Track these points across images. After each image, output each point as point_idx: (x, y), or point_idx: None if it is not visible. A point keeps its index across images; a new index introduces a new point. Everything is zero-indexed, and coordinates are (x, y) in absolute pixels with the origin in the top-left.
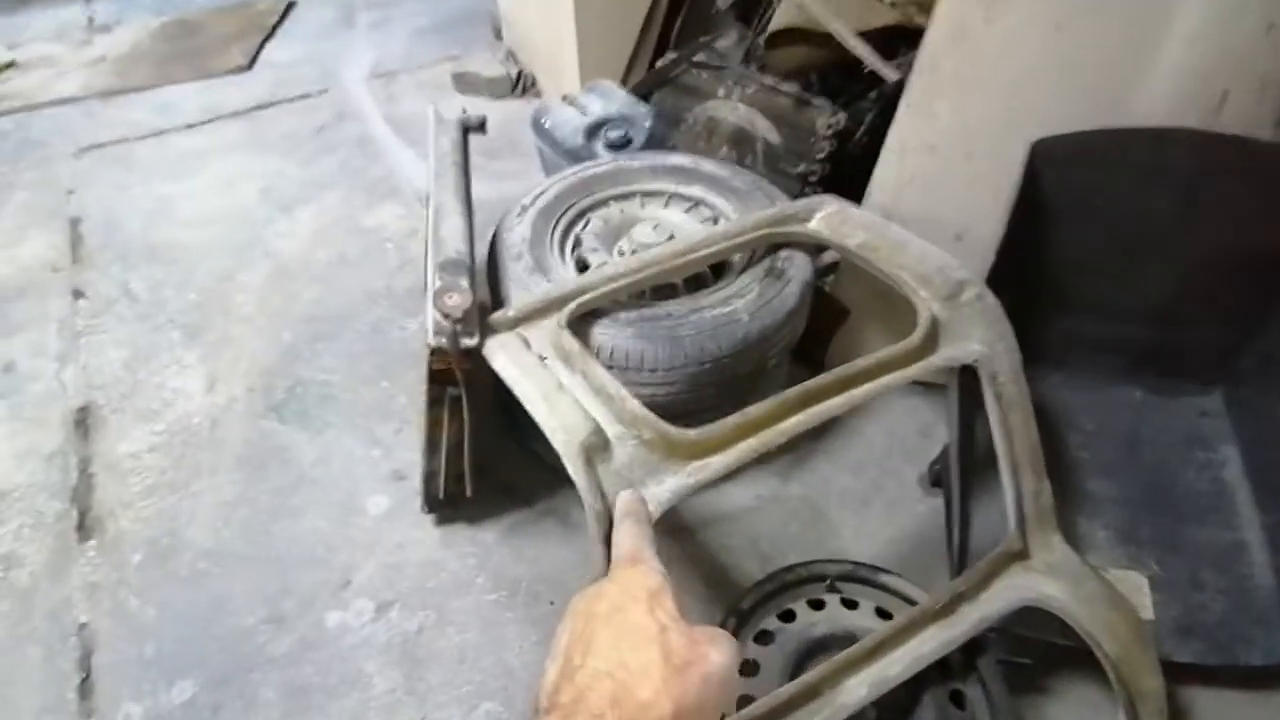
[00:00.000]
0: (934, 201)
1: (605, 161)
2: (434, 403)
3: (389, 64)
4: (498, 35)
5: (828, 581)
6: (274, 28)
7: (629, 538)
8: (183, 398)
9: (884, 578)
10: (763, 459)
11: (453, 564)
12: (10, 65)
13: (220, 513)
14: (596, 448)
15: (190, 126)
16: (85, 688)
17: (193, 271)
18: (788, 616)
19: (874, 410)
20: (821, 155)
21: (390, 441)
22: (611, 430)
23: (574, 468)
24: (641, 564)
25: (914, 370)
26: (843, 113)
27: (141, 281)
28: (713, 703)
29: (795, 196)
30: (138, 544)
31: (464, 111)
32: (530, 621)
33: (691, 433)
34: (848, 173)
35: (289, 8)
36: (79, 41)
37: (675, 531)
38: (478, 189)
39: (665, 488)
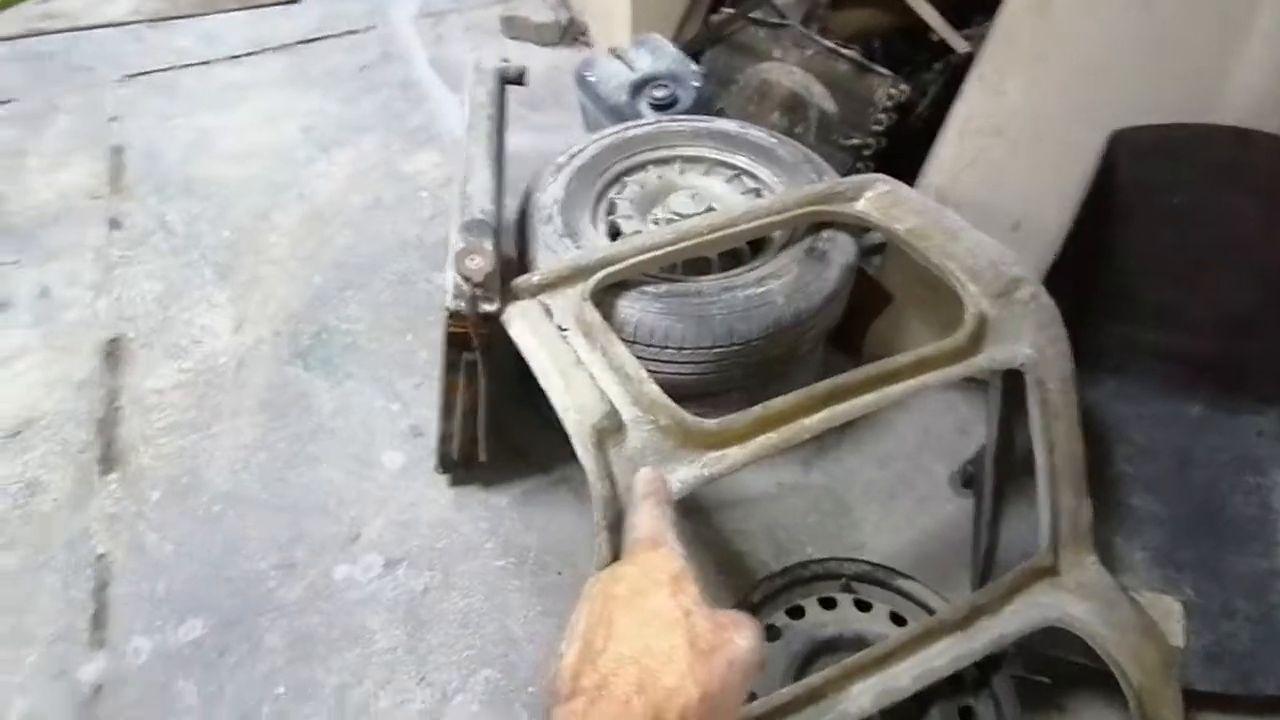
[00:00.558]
0: (994, 187)
1: (648, 122)
2: (451, 366)
3: (439, 3)
4: None
5: (842, 581)
6: None
7: (649, 519)
8: (210, 336)
9: (901, 582)
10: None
11: (464, 526)
12: None
13: (239, 456)
14: (609, 431)
15: (235, 58)
16: (98, 618)
17: (228, 208)
18: (797, 613)
19: (908, 402)
20: (879, 128)
21: (410, 396)
22: (627, 413)
23: (583, 450)
24: (663, 547)
25: (956, 370)
26: (905, 83)
27: (178, 215)
28: (737, 687)
29: (847, 171)
30: (158, 480)
31: (504, 61)
32: (536, 591)
33: (710, 423)
34: (906, 148)
35: None
36: None
37: (690, 513)
38: (517, 141)
39: (678, 477)
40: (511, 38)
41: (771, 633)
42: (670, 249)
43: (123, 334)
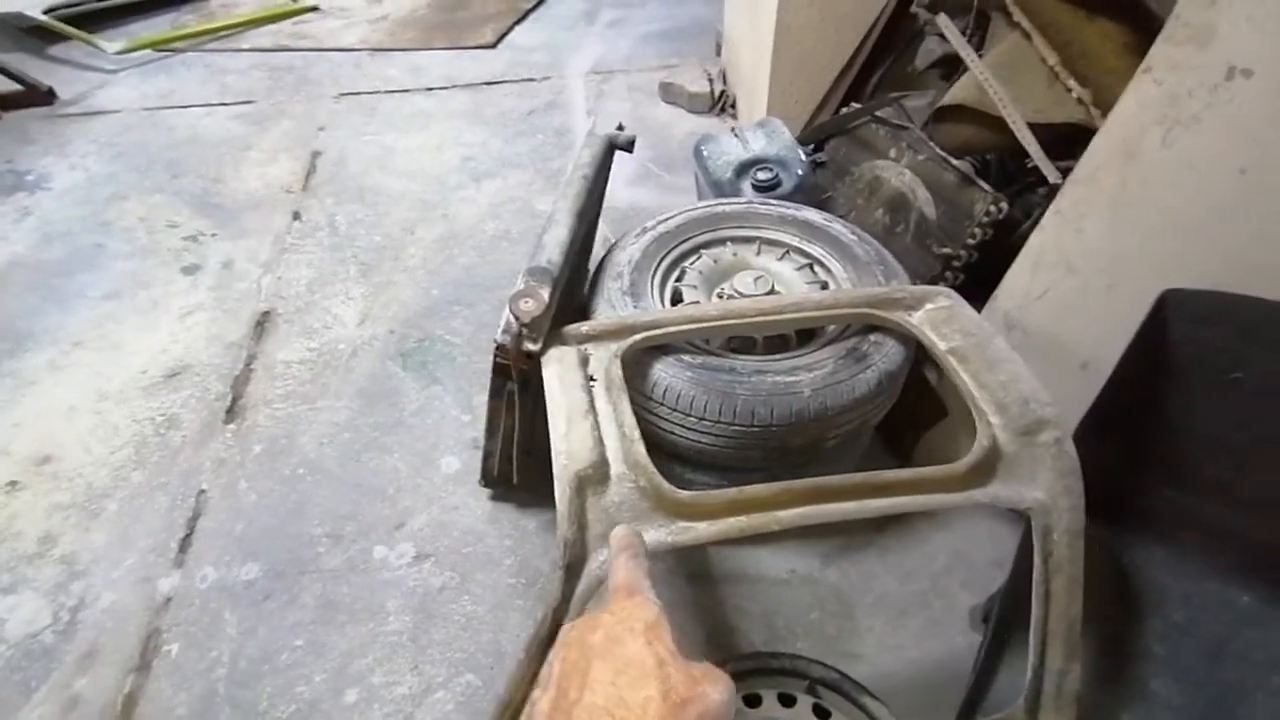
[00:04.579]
0: (1064, 323)
1: (740, 201)
2: (495, 392)
3: (610, 63)
4: (718, 52)
5: (808, 682)
6: (527, 13)
7: (625, 570)
8: (339, 324)
9: (868, 700)
10: (808, 536)
11: (491, 539)
12: (314, 9)
13: (329, 431)
14: (591, 480)
15: (429, 90)
16: (185, 542)
17: (384, 217)
18: (753, 701)
19: (949, 524)
20: (972, 241)
21: (481, 411)
22: (615, 468)
23: (561, 493)
24: (638, 595)
25: (951, 499)
26: (1005, 202)
27: (345, 216)
28: None
29: (934, 278)
30: (263, 438)
31: (620, 128)
32: (535, 615)
33: (683, 494)
34: (1000, 266)
35: None
36: None
37: (694, 578)
38: (642, 195)
39: (645, 537)
40: (667, 102)
41: None
42: (712, 323)
43: (274, 309)
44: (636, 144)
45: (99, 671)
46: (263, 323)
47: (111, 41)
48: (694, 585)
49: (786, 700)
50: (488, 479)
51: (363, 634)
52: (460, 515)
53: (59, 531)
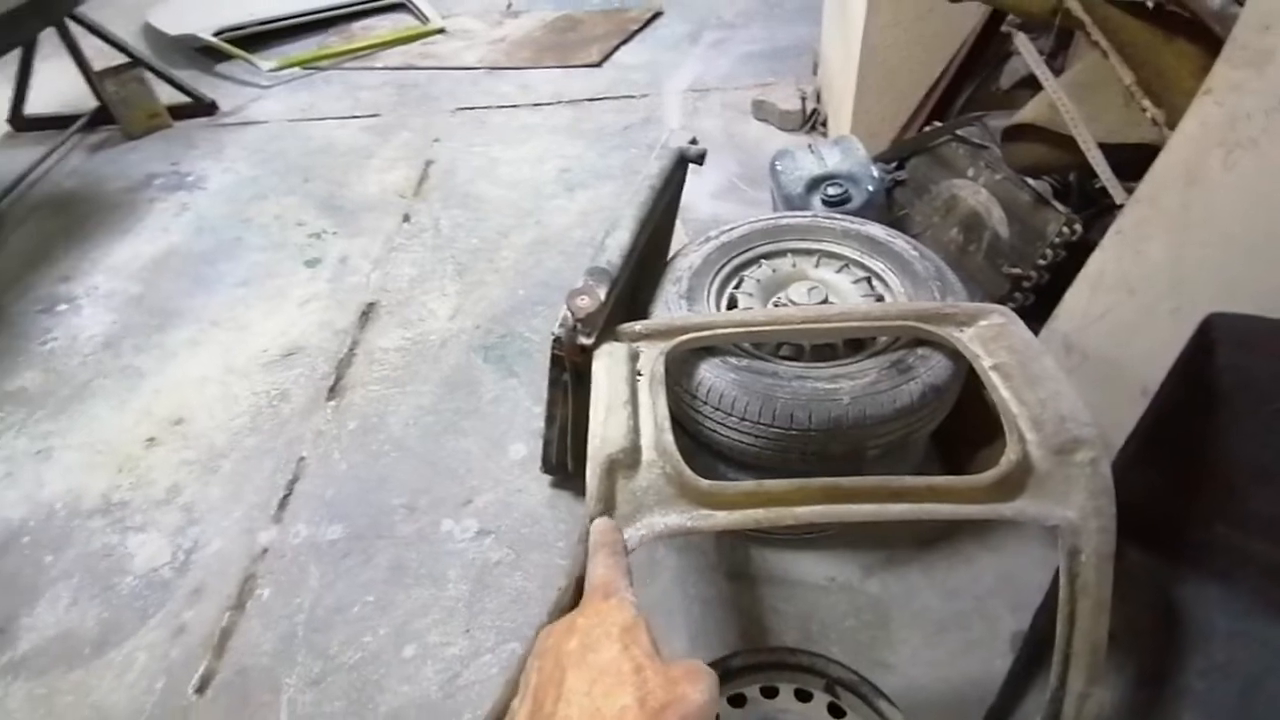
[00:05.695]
0: (1124, 347)
1: (804, 214)
2: (553, 383)
3: (708, 81)
4: (815, 71)
5: (826, 680)
6: (634, 34)
7: (603, 569)
8: (432, 318)
9: (884, 705)
10: (852, 546)
11: (547, 521)
12: (440, 31)
13: (415, 414)
14: (622, 464)
15: (535, 105)
16: (284, 502)
17: (483, 222)
18: (770, 692)
19: (999, 545)
20: (1043, 262)
21: None
22: (647, 455)
23: (592, 474)
24: (614, 597)
25: (974, 510)
26: (1080, 224)
27: (448, 220)
28: None
29: (1003, 298)
30: (357, 415)
31: (693, 141)
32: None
33: (705, 483)
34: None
35: (654, 17)
36: (493, 22)
37: (734, 576)
38: (725, 208)
39: (664, 520)
40: (758, 119)
41: (735, 700)
42: (759, 328)
43: (378, 301)
44: (725, 159)
45: (203, 606)
46: (368, 313)
47: (267, 60)
48: (733, 583)
49: (803, 696)
50: (547, 465)
51: (425, 597)
52: (522, 498)
53: (184, 483)
